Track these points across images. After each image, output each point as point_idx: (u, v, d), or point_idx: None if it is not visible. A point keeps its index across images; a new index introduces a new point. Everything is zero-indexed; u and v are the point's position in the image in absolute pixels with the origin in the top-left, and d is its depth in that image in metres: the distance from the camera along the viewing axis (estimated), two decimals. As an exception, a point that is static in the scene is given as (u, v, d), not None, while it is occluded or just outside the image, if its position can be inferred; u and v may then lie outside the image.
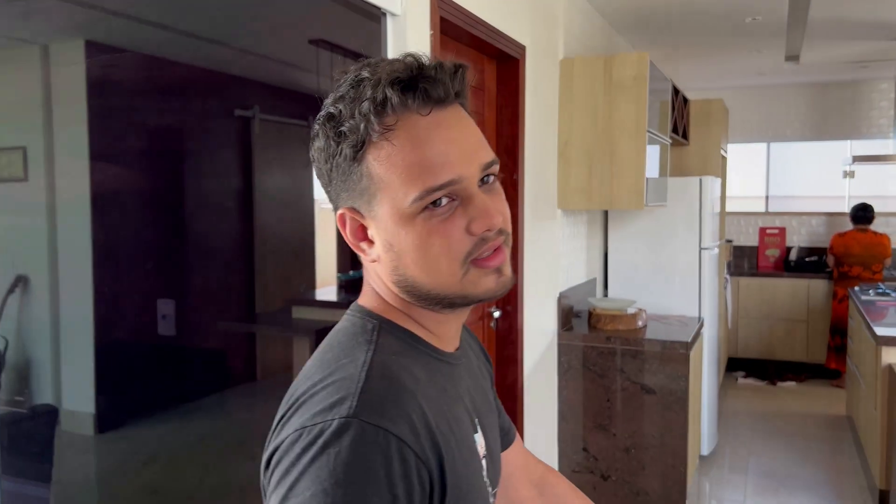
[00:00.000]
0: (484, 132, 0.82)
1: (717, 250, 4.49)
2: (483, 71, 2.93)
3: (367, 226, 0.80)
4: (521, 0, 2.99)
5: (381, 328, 0.82)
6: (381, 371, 0.75)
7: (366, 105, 0.74)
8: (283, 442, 0.72)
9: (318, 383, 0.75)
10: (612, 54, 3.46)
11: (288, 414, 0.75)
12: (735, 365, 6.41)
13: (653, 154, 3.55)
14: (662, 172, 3.87)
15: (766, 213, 6.91)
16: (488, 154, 0.80)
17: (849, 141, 6.65)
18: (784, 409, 5.44)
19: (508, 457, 1.07)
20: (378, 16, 2.07)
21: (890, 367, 3.44)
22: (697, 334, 3.63)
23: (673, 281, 4.14)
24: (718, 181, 4.63)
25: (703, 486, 4.05)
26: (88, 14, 1.71)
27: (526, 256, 3.05)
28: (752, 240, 6.88)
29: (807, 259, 6.48)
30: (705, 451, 4.28)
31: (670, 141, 4.19)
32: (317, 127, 0.80)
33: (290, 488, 0.67)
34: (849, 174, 6.61)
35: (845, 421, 5.02)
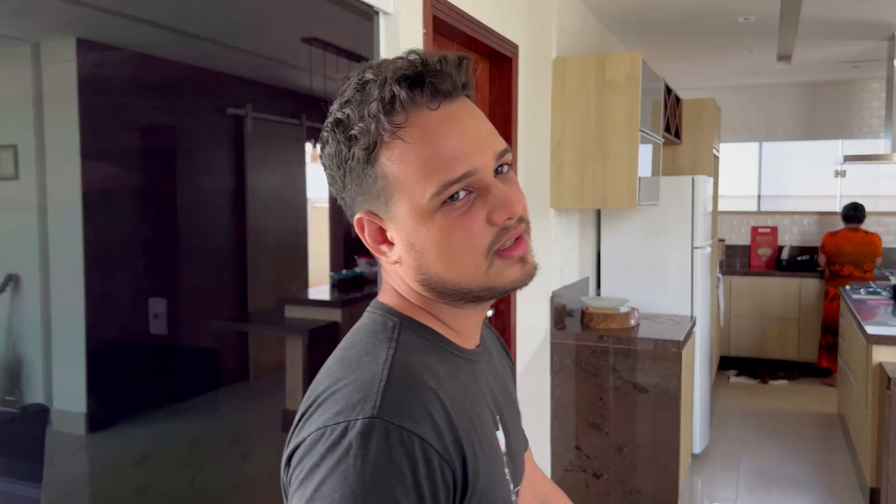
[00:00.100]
0: (477, 131, 0.82)
1: (709, 249, 4.51)
2: (476, 70, 2.93)
3: (385, 228, 0.80)
4: (514, -1, 2.99)
5: (402, 325, 0.81)
6: (402, 369, 0.75)
7: (374, 105, 0.74)
8: (304, 440, 0.72)
9: (339, 381, 0.75)
10: (605, 54, 3.47)
11: (309, 411, 0.75)
12: (727, 363, 6.43)
13: (645, 153, 3.56)
14: (655, 172, 3.88)
15: (758, 212, 6.94)
16: (500, 143, 0.79)
17: (840, 140, 6.68)
18: (776, 408, 5.47)
19: None
20: (371, 14, 2.06)
21: (880, 365, 3.46)
22: (690, 333, 3.64)
23: (665, 280, 4.15)
24: (711, 180, 4.64)
25: (696, 485, 4.06)
26: (80, 11, 1.70)
27: (519, 255, 3.05)
28: (744, 239, 6.91)
29: (798, 258, 6.51)
30: (697, 449, 4.30)
31: (663, 140, 4.20)
32: (325, 134, 0.79)
33: (316, 489, 0.67)
34: (840, 173, 6.64)
35: (836, 419, 5.04)
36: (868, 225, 6.06)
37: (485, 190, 0.76)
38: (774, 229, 6.78)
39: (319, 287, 4.13)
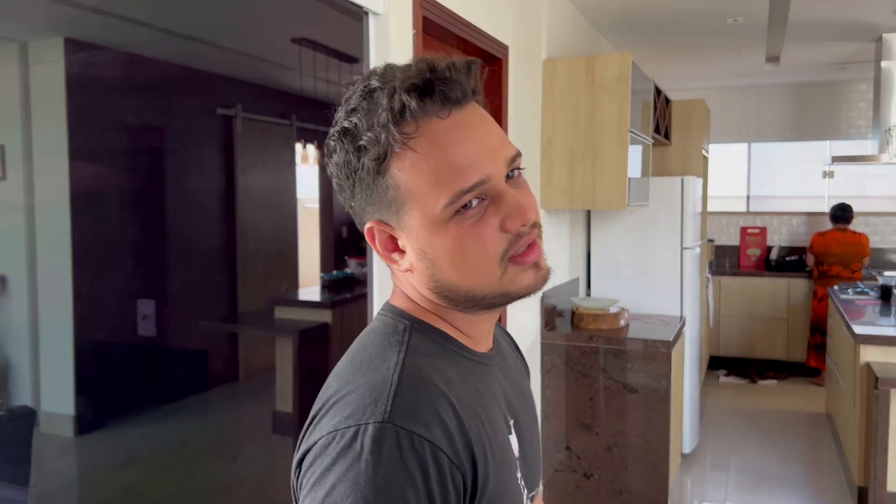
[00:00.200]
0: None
1: (698, 250, 4.53)
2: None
3: (396, 236, 0.79)
4: (504, 0, 2.99)
5: (413, 329, 0.81)
6: (412, 373, 0.74)
7: (383, 115, 0.73)
8: (315, 444, 0.71)
9: (349, 384, 0.75)
10: (595, 55, 3.48)
11: (320, 414, 0.74)
12: (717, 363, 6.46)
13: (635, 154, 3.57)
14: (644, 172, 3.89)
15: (748, 212, 6.97)
16: (511, 148, 0.79)
17: (828, 141, 6.72)
18: (765, 407, 5.49)
19: None
20: (360, 15, 2.06)
21: (868, 365, 3.48)
22: (679, 333, 3.65)
23: (655, 280, 4.17)
24: (700, 181, 4.66)
25: (685, 484, 4.07)
26: (68, 11, 1.69)
27: (509, 256, 3.05)
28: (733, 239, 6.94)
29: (787, 258, 6.54)
30: (687, 449, 4.31)
31: (652, 141, 4.21)
32: (332, 143, 0.78)
33: (328, 494, 0.67)
34: (828, 174, 6.68)
35: (825, 418, 5.07)
36: (856, 225, 6.10)
37: (497, 197, 0.76)
38: (763, 230, 6.81)
39: (310, 288, 4.13)
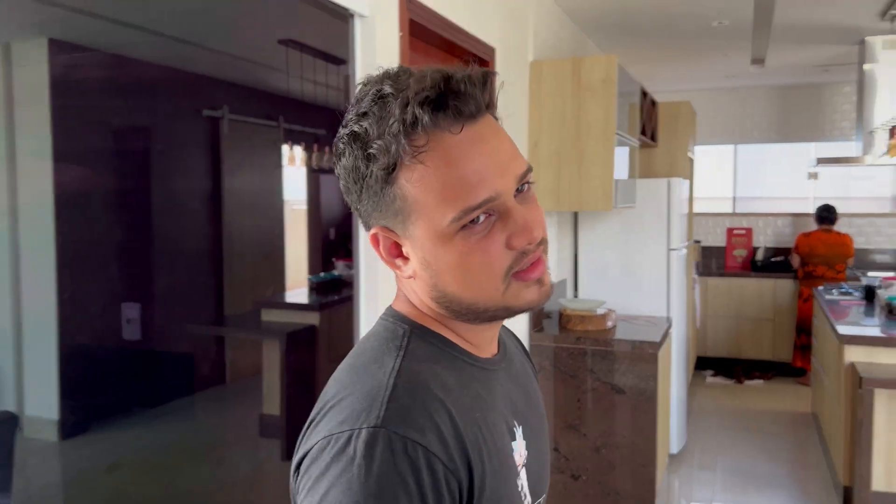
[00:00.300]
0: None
1: (685, 251, 4.55)
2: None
3: (401, 243, 0.79)
4: (490, 3, 3.00)
5: (413, 333, 0.81)
6: (408, 378, 0.74)
7: (395, 126, 0.72)
8: (311, 448, 0.71)
9: (346, 388, 0.75)
10: (581, 57, 3.49)
11: (317, 419, 0.74)
12: (703, 364, 6.49)
13: (621, 156, 3.59)
14: (631, 174, 3.91)
15: (734, 213, 7.01)
16: (522, 163, 0.79)
17: (813, 143, 6.78)
18: (751, 407, 5.53)
19: None
20: (346, 17, 2.06)
21: (852, 365, 3.51)
22: (666, 334, 3.67)
23: (642, 281, 4.18)
24: (686, 182, 4.69)
25: (673, 484, 4.09)
26: (52, 12, 1.68)
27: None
28: (719, 240, 6.98)
29: (773, 259, 6.59)
30: (675, 449, 4.33)
31: (639, 143, 4.23)
32: (342, 145, 0.77)
33: (322, 498, 0.67)
34: (813, 176, 6.74)
35: (811, 418, 5.11)
36: (840, 226, 6.15)
37: (505, 214, 0.76)
38: (749, 230, 6.86)
39: (297, 290, 4.12)
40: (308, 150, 4.03)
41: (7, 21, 1.64)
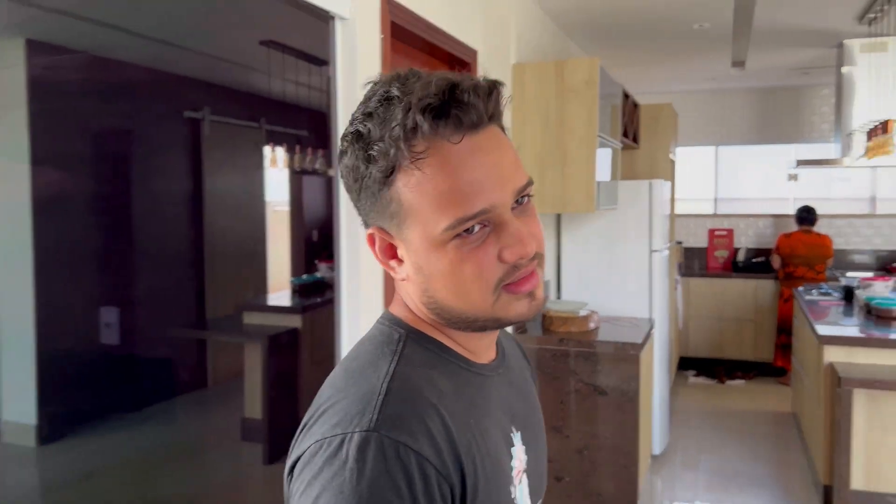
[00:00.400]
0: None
1: (667, 252, 4.58)
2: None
3: (396, 245, 0.79)
4: (472, 5, 3.00)
5: (408, 338, 0.81)
6: (402, 383, 0.74)
7: (396, 130, 0.72)
8: (304, 452, 0.72)
9: (340, 392, 0.75)
10: (564, 59, 3.51)
11: (310, 422, 0.75)
12: (686, 364, 6.54)
13: (604, 158, 3.60)
14: (613, 176, 3.93)
15: (715, 215, 7.07)
16: (522, 177, 0.78)
17: (793, 145, 6.85)
18: (733, 407, 5.57)
19: None
20: (328, 18, 2.05)
21: (831, 365, 3.55)
22: (648, 335, 3.69)
23: (624, 283, 4.21)
24: (668, 184, 4.72)
25: (656, 485, 4.11)
26: (29, 12, 1.66)
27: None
28: (701, 241, 7.03)
29: (754, 260, 6.65)
30: (657, 450, 4.35)
31: (621, 145, 4.26)
32: (345, 144, 0.78)
33: (313, 502, 0.67)
34: (793, 177, 6.81)
35: (791, 418, 5.16)
36: (819, 227, 6.22)
37: (500, 226, 0.76)
38: (730, 231, 6.91)
39: (279, 293, 4.10)
40: (290, 151, 4.01)
41: (-17, 22, 1.62)
